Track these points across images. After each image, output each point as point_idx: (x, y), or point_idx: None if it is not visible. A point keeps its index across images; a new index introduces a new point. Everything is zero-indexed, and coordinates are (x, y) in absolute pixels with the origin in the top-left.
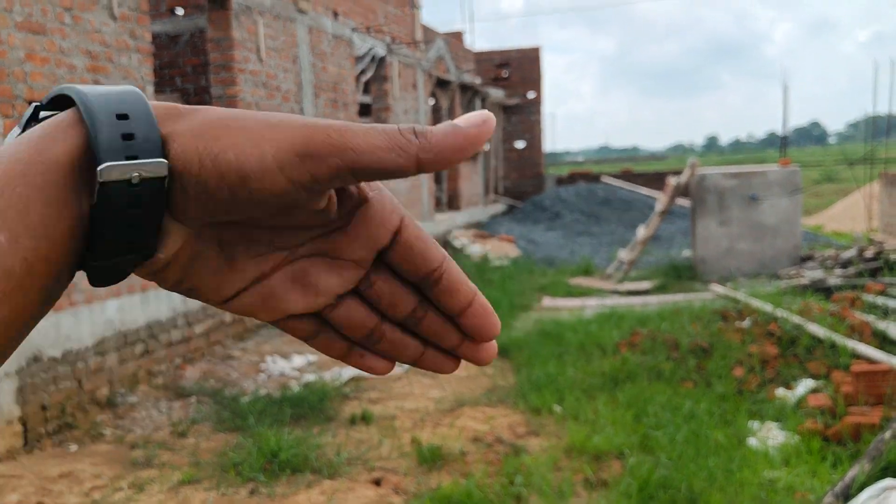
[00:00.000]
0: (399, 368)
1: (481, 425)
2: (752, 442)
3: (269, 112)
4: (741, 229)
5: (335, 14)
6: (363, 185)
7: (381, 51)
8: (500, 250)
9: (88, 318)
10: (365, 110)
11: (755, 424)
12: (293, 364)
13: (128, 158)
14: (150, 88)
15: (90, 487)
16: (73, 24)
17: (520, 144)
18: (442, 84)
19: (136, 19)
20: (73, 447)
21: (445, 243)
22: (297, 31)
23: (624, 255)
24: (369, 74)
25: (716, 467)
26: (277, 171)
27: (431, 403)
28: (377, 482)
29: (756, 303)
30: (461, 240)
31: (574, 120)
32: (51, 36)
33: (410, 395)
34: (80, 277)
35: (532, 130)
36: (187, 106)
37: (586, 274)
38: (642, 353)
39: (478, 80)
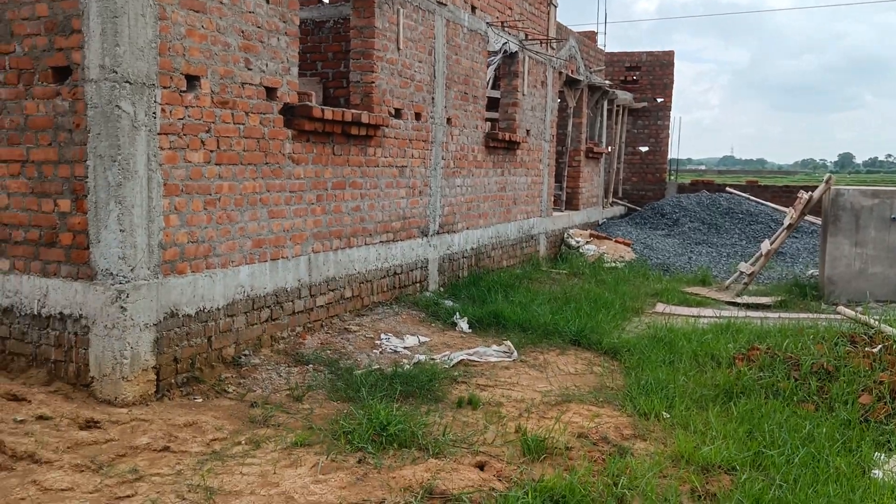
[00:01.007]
0: (508, 358)
1: (587, 422)
2: (877, 474)
3: None
4: (877, 251)
5: (473, 8)
6: None
7: (513, 46)
8: (616, 252)
9: (222, 280)
10: (493, 104)
11: (881, 456)
12: (406, 343)
13: None
14: (295, 70)
15: (211, 439)
16: (231, 4)
17: (643, 149)
18: (571, 83)
19: (288, 3)
20: (199, 399)
21: (561, 241)
22: (435, 23)
23: (745, 267)
24: (498, 68)
25: (836, 496)
26: None
27: (538, 396)
28: (481, 466)
29: (889, 329)
30: (577, 239)
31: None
32: (210, 14)
33: (517, 385)
34: (217, 241)
35: (657, 135)
36: None
37: (703, 284)
38: (759, 369)
39: (607, 82)
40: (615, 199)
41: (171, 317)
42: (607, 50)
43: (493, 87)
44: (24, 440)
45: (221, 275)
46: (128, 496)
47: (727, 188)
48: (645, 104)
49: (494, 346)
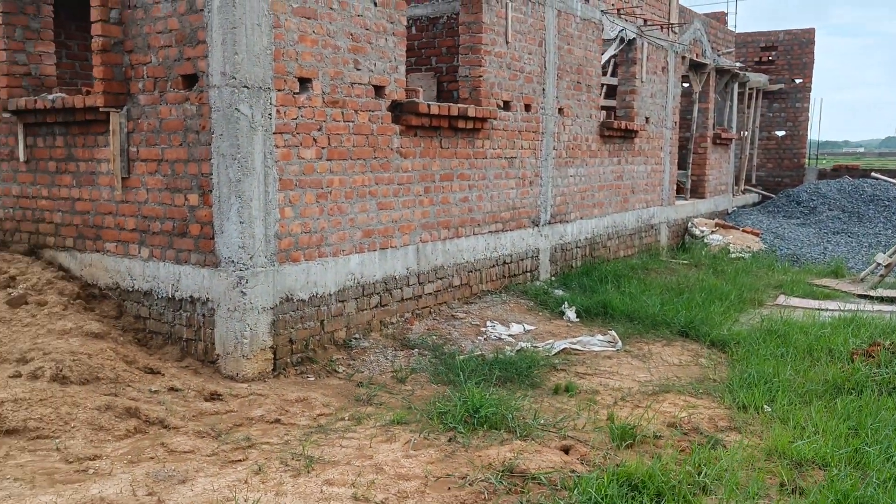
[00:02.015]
0: (611, 348)
1: (681, 413)
2: None
3: None
4: None
5: None
6: None
7: (630, 33)
8: (742, 242)
9: (333, 268)
10: (611, 91)
11: None
12: (511, 331)
13: None
14: (402, 68)
15: (318, 414)
16: (340, 9)
17: (780, 133)
18: (696, 67)
19: (395, 5)
20: (311, 378)
21: (685, 230)
22: (546, 15)
23: (882, 258)
24: (615, 56)
25: None
26: None
27: (636, 385)
28: (566, 450)
29: None
30: (701, 228)
31: (857, 108)
32: (320, 20)
33: (617, 374)
34: (329, 231)
35: (795, 119)
36: None
37: (835, 275)
38: (877, 366)
39: (737, 64)
40: (748, 187)
41: (287, 301)
42: (742, 30)
43: (613, 75)
44: (156, 408)
45: (333, 263)
46: (239, 461)
47: (872, 173)
48: (781, 86)
49: (599, 336)
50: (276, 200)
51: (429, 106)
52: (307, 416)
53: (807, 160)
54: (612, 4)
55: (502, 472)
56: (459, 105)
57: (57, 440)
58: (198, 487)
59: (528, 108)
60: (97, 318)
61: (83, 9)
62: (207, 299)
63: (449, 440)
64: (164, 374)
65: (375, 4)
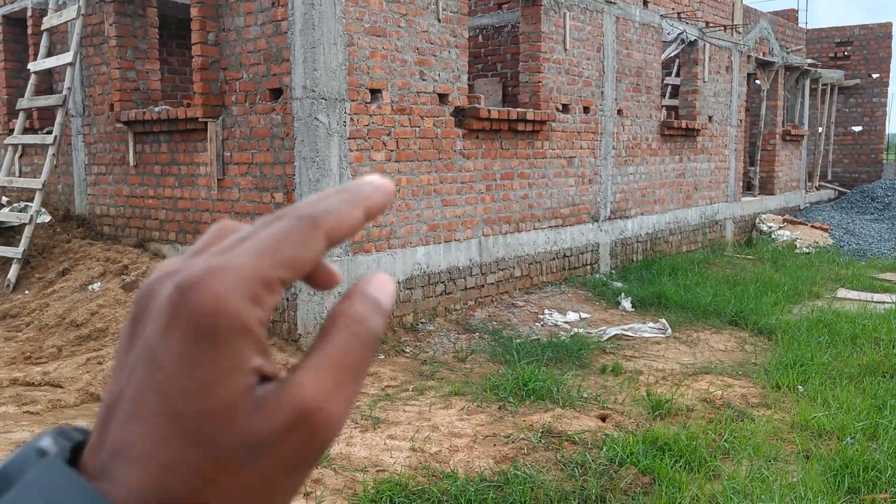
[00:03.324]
0: (661, 334)
1: (716, 390)
2: None
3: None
4: None
5: (644, 2)
6: None
7: (691, 35)
8: (810, 238)
9: (401, 259)
10: (674, 92)
11: None
12: (566, 318)
13: None
14: (464, 77)
15: (386, 385)
16: (407, 26)
17: (856, 128)
18: (763, 65)
19: (458, 20)
20: (381, 356)
21: (752, 226)
22: (604, 22)
23: None
24: (678, 56)
25: None
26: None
27: (679, 367)
28: (603, 418)
29: None
30: (769, 224)
31: None
32: (389, 37)
33: (663, 357)
34: (397, 226)
35: (872, 114)
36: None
37: None
38: None
39: (807, 61)
40: (822, 183)
41: None
42: (816, 26)
43: (678, 75)
44: None
45: (401, 254)
46: None
47: None
48: (857, 81)
49: (651, 323)
50: None
51: (489, 111)
52: (376, 386)
53: (884, 155)
54: (672, 8)
55: (542, 433)
56: (518, 109)
57: None
58: None
59: (586, 110)
60: None
61: (182, 29)
62: (290, 285)
63: (499, 408)
64: None
65: (439, 21)
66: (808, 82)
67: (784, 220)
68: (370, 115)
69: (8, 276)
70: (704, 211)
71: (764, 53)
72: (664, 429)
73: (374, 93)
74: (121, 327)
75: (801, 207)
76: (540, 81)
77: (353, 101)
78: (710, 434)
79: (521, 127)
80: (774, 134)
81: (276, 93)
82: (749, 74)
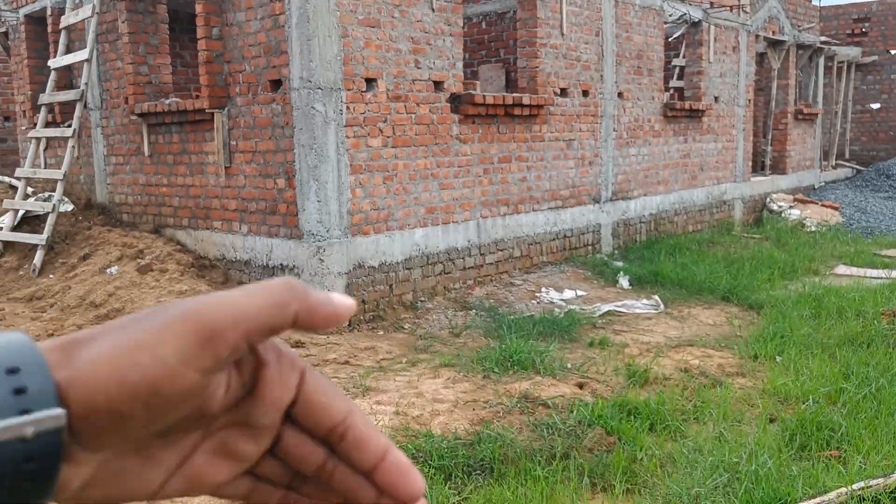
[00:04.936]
0: (653, 310)
1: (695, 360)
2: None
3: (151, 312)
4: None
5: None
6: (259, 347)
7: (695, 16)
8: (819, 216)
9: (400, 240)
10: (681, 73)
11: None
12: (563, 296)
13: (21, 413)
14: (460, 64)
15: (381, 358)
16: (401, 16)
17: (874, 106)
18: (774, 44)
19: (451, 9)
20: (380, 332)
21: (763, 206)
22: (602, 6)
23: None
24: (682, 37)
25: (886, 424)
26: (184, 368)
27: (664, 340)
28: (580, 385)
29: None
30: (779, 203)
31: None
32: (384, 28)
33: (650, 331)
34: (395, 208)
35: (891, 91)
36: (79, 335)
37: None
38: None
39: (820, 38)
40: (839, 162)
41: (359, 268)
42: (832, 2)
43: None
44: None
45: (399, 235)
46: None
47: None
48: (875, 58)
49: (644, 300)
50: (348, 182)
51: (484, 97)
52: (372, 359)
53: None
54: None
55: (519, 398)
56: (514, 94)
57: None
58: None
59: (585, 93)
60: (207, 283)
61: (192, 24)
62: (294, 266)
63: (483, 377)
64: None
65: (433, 10)
66: (821, 60)
67: (795, 200)
68: (366, 104)
69: (34, 262)
70: (711, 191)
71: (774, 32)
72: (635, 395)
73: (370, 82)
74: (135, 307)
75: (816, 186)
76: (537, 66)
77: (348, 90)
78: (680, 400)
79: (518, 111)
80: (786, 113)
81: (276, 84)
82: (761, 54)
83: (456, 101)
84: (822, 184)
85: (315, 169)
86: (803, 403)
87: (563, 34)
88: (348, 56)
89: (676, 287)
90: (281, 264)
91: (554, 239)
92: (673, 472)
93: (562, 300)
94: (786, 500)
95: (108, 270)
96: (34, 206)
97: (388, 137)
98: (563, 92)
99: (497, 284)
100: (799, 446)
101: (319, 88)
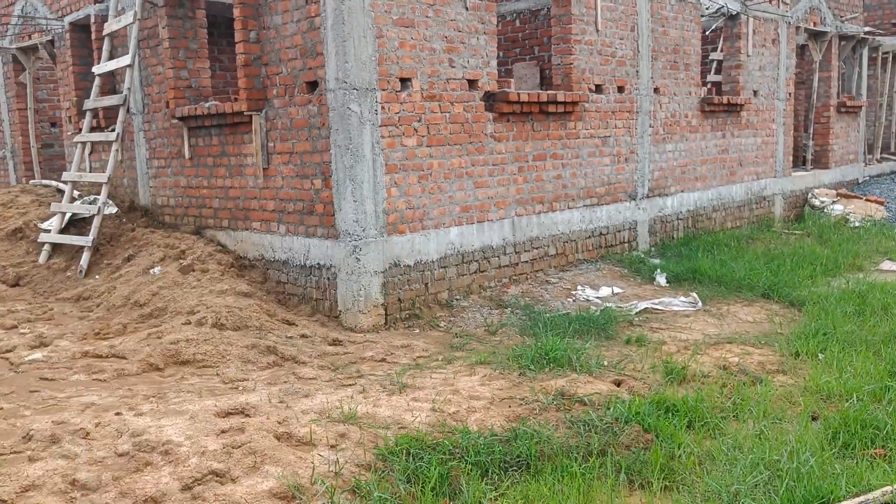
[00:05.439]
0: (691, 308)
1: (734, 358)
2: None
3: None
4: None
5: None
6: None
7: (733, 8)
8: (864, 211)
9: (435, 239)
10: (719, 67)
11: None
12: (599, 294)
13: None
14: (494, 62)
15: (417, 356)
16: (435, 16)
17: None
18: (815, 35)
19: (485, 7)
20: (416, 331)
21: (804, 201)
22: (637, 2)
23: None
24: (717, 30)
25: None
26: None
27: (703, 338)
28: (617, 383)
29: None
30: (821, 199)
31: None
32: (418, 27)
33: (688, 329)
34: (430, 207)
35: None
36: None
37: None
38: None
39: (864, 29)
40: (884, 155)
41: (395, 266)
42: None
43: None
44: (290, 349)
45: (434, 234)
46: (349, 385)
47: None
48: None
49: (681, 297)
50: (383, 182)
51: (518, 94)
52: (408, 357)
53: None
54: None
55: (555, 395)
56: (549, 92)
57: (216, 368)
58: (316, 400)
59: (621, 89)
60: (247, 282)
61: (231, 28)
62: (331, 265)
63: (519, 375)
64: (297, 325)
65: (467, 9)
66: (865, 51)
67: (838, 194)
68: (401, 103)
69: (81, 263)
70: (751, 187)
71: (815, 24)
72: (672, 392)
73: (404, 81)
74: (178, 306)
75: (860, 181)
76: (572, 63)
77: (383, 90)
78: (719, 397)
79: (552, 109)
80: (828, 106)
81: (313, 85)
82: (802, 46)
83: (490, 99)
84: (867, 178)
85: (351, 169)
86: (847, 401)
87: (597, 30)
88: (383, 56)
89: (715, 284)
90: (318, 264)
91: (589, 237)
92: (712, 470)
93: (598, 298)
94: (828, 499)
95: (151, 271)
96: (80, 208)
97: (422, 137)
98: (598, 88)
99: (532, 282)
100: (842, 445)
101: (355, 89)
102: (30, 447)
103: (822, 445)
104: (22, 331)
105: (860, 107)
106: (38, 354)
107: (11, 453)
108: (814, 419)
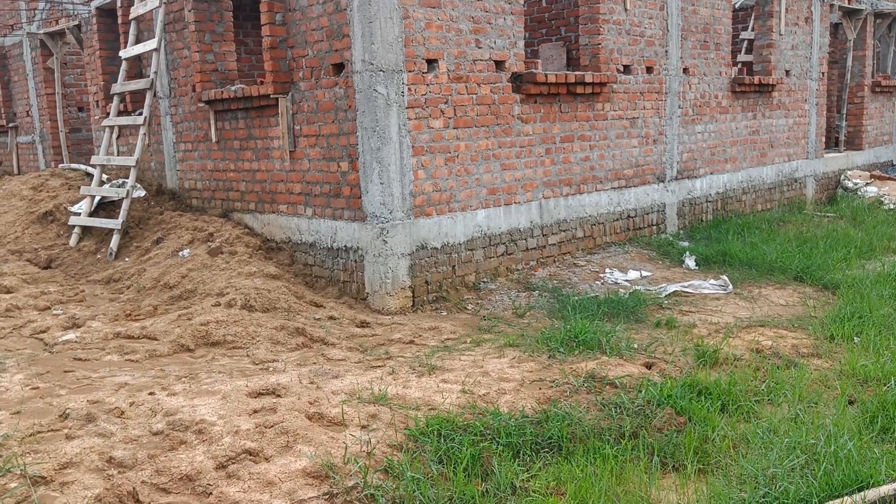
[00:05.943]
0: (722, 291)
1: (767, 341)
2: None
3: None
4: None
5: None
6: None
7: None
8: None
9: (462, 221)
10: (750, 47)
11: None
12: (627, 276)
13: None
14: (521, 43)
15: (445, 338)
16: None
17: None
18: (850, 13)
19: None
20: (444, 313)
21: (837, 183)
22: None
23: None
24: (748, 8)
25: None
26: None
27: (734, 321)
28: (648, 366)
29: None
30: (854, 181)
31: None
32: (444, 8)
33: (719, 312)
34: (457, 190)
35: None
36: None
37: None
38: None
39: None
40: None
41: (422, 249)
42: None
43: (754, 29)
44: (318, 330)
45: (461, 217)
46: (378, 366)
47: None
48: None
49: (711, 280)
50: (410, 164)
51: (546, 76)
52: (436, 339)
53: None
54: None
55: (585, 378)
56: (576, 73)
57: (246, 350)
58: (346, 381)
59: (649, 70)
60: (274, 265)
61: (256, 10)
62: (358, 248)
63: (549, 357)
64: (325, 307)
65: None
66: None
67: (871, 176)
68: (427, 85)
69: (110, 246)
70: (782, 168)
71: (849, 1)
72: (704, 375)
73: (431, 63)
74: (208, 288)
75: (894, 163)
76: (599, 43)
77: (410, 71)
78: (752, 381)
79: (580, 90)
80: (863, 86)
81: (339, 67)
82: (835, 24)
83: (517, 80)
84: None
85: (378, 151)
86: (884, 385)
87: (626, 9)
88: (409, 37)
89: (745, 267)
90: (345, 246)
91: (617, 219)
92: (747, 453)
93: (626, 281)
94: (867, 483)
95: (180, 253)
96: (109, 192)
97: (449, 118)
98: (627, 69)
99: (560, 265)
100: (880, 429)
101: (381, 71)
102: (66, 426)
103: (859, 429)
104: (55, 312)
105: (895, 86)
106: (71, 335)
107: (49, 431)
108: (850, 403)
